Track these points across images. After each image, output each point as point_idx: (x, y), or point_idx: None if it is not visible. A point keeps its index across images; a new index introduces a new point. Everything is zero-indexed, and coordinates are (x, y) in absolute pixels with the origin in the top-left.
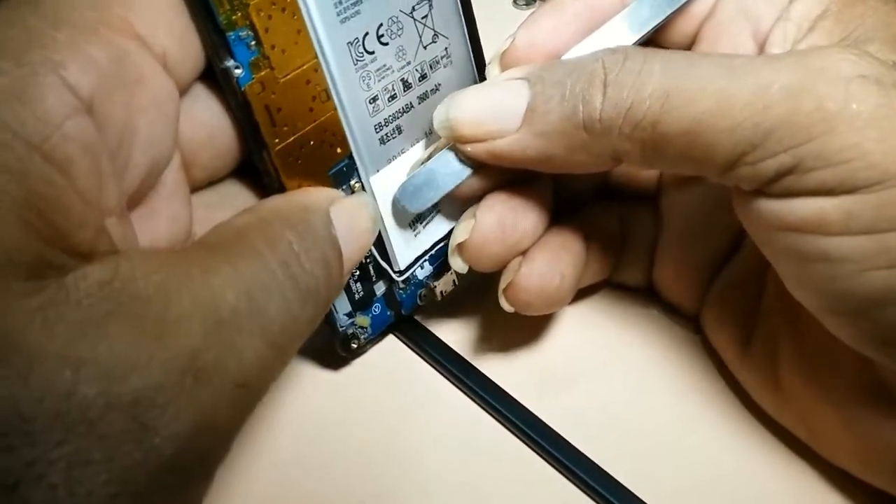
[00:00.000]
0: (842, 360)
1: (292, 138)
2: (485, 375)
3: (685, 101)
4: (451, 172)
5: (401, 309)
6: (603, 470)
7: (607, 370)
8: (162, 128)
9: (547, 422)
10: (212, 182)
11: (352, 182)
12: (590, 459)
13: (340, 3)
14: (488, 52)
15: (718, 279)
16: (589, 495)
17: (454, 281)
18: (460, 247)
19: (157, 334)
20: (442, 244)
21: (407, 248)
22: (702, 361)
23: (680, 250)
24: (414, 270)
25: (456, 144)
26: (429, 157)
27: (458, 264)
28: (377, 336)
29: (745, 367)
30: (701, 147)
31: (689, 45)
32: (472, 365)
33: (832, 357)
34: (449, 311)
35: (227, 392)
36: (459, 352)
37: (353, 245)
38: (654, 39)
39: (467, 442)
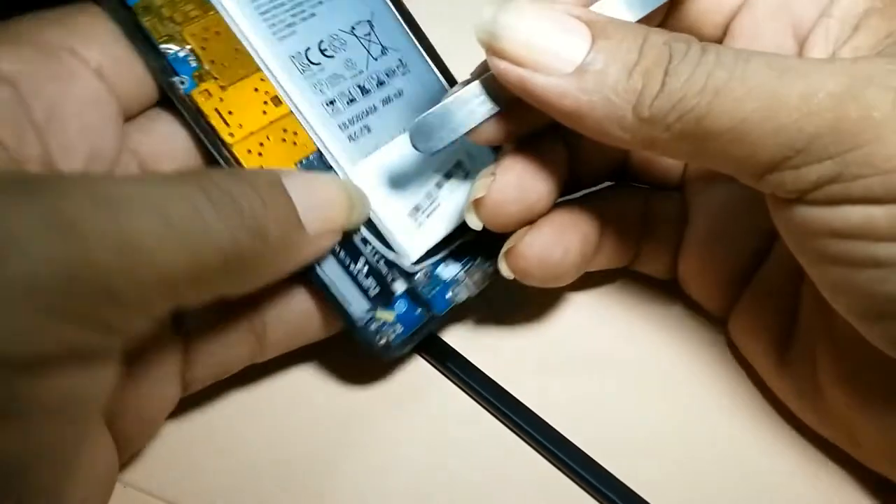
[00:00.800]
0: (884, 369)
1: (249, 135)
2: (486, 375)
3: (734, 100)
4: (467, 115)
5: (431, 308)
6: (609, 472)
7: (622, 368)
8: (97, 119)
9: (554, 423)
10: None
11: None
12: (594, 461)
13: (274, 25)
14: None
15: (751, 284)
16: (592, 496)
17: (486, 272)
18: (476, 203)
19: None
20: (461, 240)
21: (412, 239)
22: (727, 363)
23: (707, 249)
24: (437, 270)
25: (488, 57)
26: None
27: (473, 221)
28: (414, 335)
29: (782, 376)
30: (743, 147)
31: (719, 39)
32: (472, 364)
33: (874, 366)
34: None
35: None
36: (457, 349)
37: (316, 210)
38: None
39: (466, 440)
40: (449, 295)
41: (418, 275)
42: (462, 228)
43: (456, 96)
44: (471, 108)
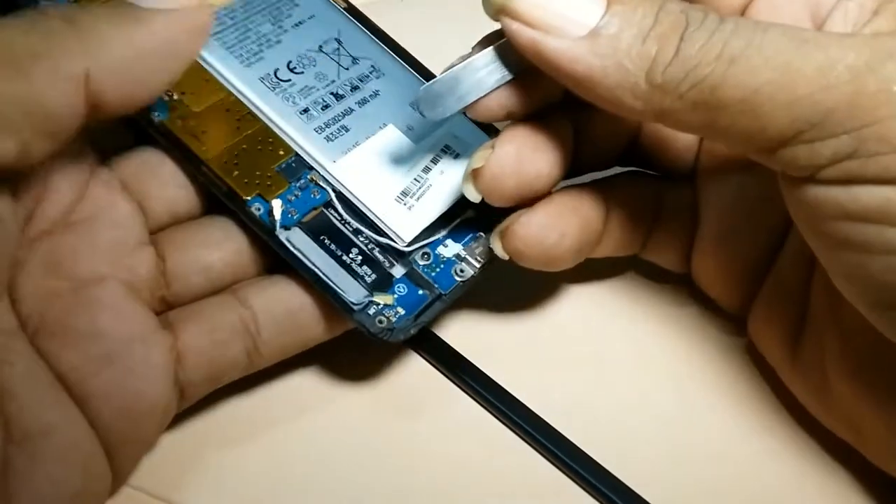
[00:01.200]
0: (892, 361)
1: (223, 147)
2: (485, 374)
3: (749, 69)
4: (475, 84)
5: (437, 287)
6: (608, 472)
7: (626, 365)
8: None
9: (555, 422)
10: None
11: (309, 176)
12: (593, 459)
13: (241, 55)
14: None
15: (768, 278)
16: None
17: (489, 248)
18: (475, 173)
19: None
20: (458, 221)
21: (402, 222)
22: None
23: (721, 244)
24: (436, 250)
25: (501, 18)
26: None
27: (470, 192)
28: (419, 316)
29: (794, 370)
30: (756, 119)
31: None
32: (471, 363)
33: (881, 358)
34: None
35: None
36: (456, 348)
37: None
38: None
39: (466, 440)
40: (454, 272)
41: (416, 256)
42: (459, 207)
43: (465, 63)
44: (480, 76)
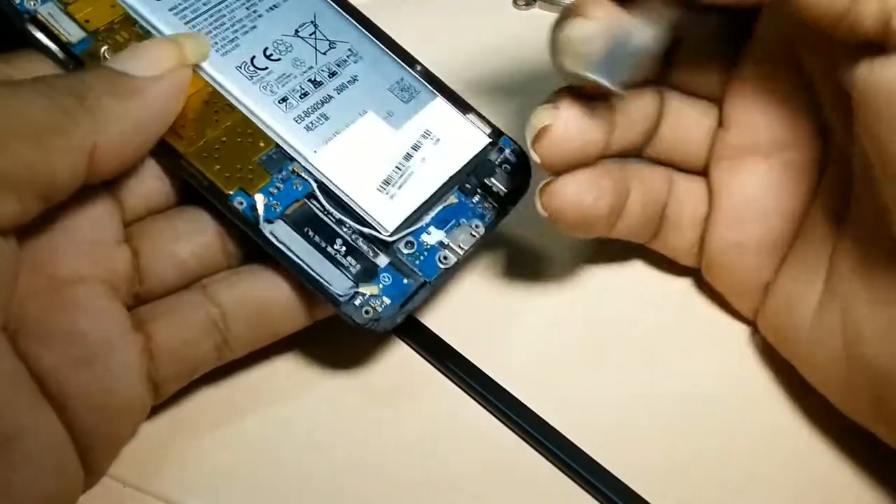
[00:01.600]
0: None
1: (202, 142)
2: (479, 368)
3: None
4: (634, 46)
5: (420, 275)
6: (606, 469)
7: (627, 354)
8: None
9: (551, 419)
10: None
11: (290, 167)
12: (589, 455)
13: (216, 43)
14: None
15: (790, 255)
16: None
17: (472, 233)
18: (541, 132)
19: None
20: (440, 207)
21: (384, 212)
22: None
23: (735, 232)
24: (420, 237)
25: None
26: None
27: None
28: (405, 304)
29: (812, 347)
30: None
31: None
32: (466, 358)
33: None
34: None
35: None
36: (452, 344)
37: (140, 59)
38: None
39: (461, 437)
40: (438, 259)
41: (400, 244)
42: (441, 194)
43: (627, 24)
44: (637, 39)
